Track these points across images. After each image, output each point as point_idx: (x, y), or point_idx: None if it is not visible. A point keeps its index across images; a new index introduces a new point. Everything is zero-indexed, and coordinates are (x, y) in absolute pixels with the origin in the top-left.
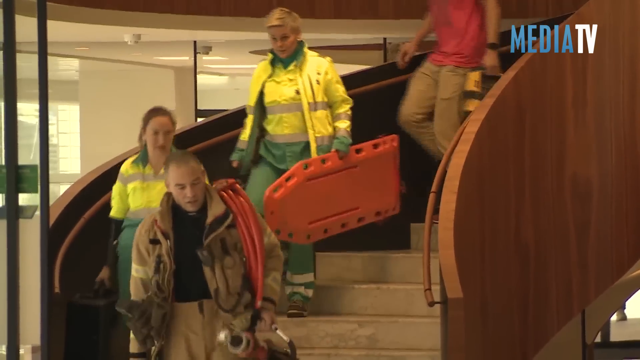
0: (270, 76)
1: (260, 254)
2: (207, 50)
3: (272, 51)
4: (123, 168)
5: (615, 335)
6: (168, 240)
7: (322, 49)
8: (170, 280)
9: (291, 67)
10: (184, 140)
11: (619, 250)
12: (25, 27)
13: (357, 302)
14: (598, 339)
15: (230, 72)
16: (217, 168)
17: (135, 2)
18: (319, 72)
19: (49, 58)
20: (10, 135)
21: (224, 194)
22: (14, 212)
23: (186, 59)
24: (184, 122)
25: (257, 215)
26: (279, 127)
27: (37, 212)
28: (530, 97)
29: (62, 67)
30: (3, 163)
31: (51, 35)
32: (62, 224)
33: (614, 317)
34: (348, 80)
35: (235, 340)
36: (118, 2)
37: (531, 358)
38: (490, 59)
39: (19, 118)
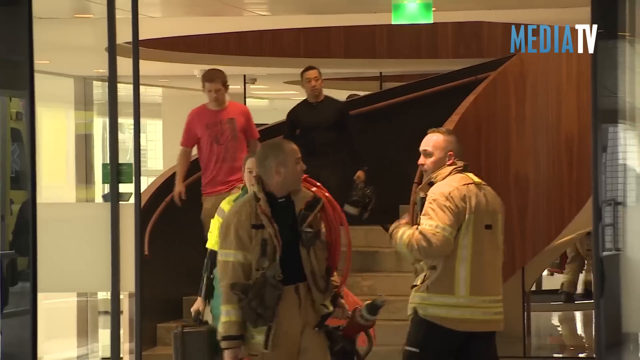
0: None
1: (345, 241)
2: (253, 81)
3: None
4: (225, 205)
5: (546, 285)
6: (275, 224)
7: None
8: (278, 262)
9: None
10: None
11: (548, 225)
12: (124, 65)
13: (358, 263)
14: (533, 288)
15: (270, 97)
16: None
17: (201, 47)
18: None
19: (141, 87)
20: (113, 142)
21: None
22: (116, 197)
23: (238, 87)
24: None
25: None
26: None
27: (132, 197)
28: (485, 115)
29: (150, 94)
30: (108, 162)
31: (142, 70)
32: (150, 205)
33: (545, 272)
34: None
35: (375, 309)
36: (189, 47)
37: None
38: None
39: (119, 130)
